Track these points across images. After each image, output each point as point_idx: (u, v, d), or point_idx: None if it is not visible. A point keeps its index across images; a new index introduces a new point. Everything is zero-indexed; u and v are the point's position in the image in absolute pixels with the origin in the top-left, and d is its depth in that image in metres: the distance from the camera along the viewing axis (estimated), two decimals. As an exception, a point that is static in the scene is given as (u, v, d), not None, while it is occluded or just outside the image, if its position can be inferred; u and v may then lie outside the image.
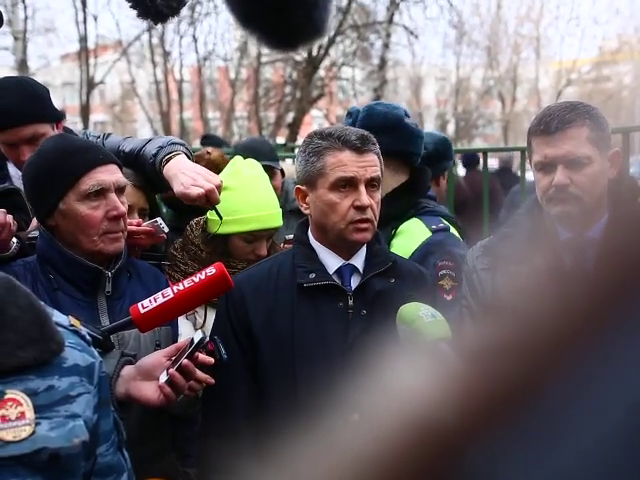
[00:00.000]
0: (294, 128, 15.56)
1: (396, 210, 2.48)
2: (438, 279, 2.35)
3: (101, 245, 2.01)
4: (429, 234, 2.44)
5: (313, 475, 0.43)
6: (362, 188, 1.99)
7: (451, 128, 23.32)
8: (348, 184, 1.99)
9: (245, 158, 3.33)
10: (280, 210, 2.57)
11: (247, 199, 2.42)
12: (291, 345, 2.00)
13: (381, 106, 2.62)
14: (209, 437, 2.06)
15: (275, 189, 3.38)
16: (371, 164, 2.02)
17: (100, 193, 2.00)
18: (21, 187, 2.46)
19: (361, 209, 1.98)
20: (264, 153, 3.45)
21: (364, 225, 2.00)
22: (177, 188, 2.20)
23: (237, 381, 2.03)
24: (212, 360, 1.85)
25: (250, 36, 1.01)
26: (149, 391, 1.82)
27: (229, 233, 2.42)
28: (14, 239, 2.22)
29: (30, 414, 1.29)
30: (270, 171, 3.35)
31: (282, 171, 4.06)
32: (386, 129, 2.50)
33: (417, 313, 1.61)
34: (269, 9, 0.94)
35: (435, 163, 3.37)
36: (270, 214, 2.49)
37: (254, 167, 2.60)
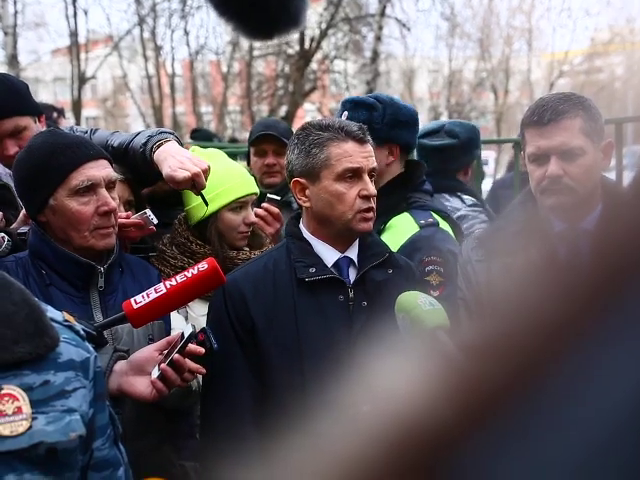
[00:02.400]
0: (287, 122, 15.53)
1: (388, 204, 2.48)
2: (425, 275, 2.33)
3: (92, 241, 2.01)
4: (417, 229, 2.43)
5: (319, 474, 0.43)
6: (367, 178, 2.03)
7: (444, 120, 23.30)
8: (354, 174, 2.01)
9: (259, 130, 3.40)
10: (252, 177, 2.66)
11: (221, 173, 2.44)
12: (297, 340, 1.99)
13: (395, 99, 2.66)
14: (215, 439, 2.04)
15: (282, 167, 3.38)
16: (371, 154, 2.06)
17: (90, 188, 1.99)
18: (9, 183, 2.46)
19: (367, 198, 2.02)
20: (277, 128, 3.47)
21: (370, 214, 2.03)
22: (165, 171, 2.18)
23: (240, 381, 2.01)
24: (202, 350, 1.85)
25: (226, 25, 1.01)
26: (141, 386, 1.83)
27: (218, 209, 2.45)
28: (5, 237, 2.21)
29: (27, 409, 1.29)
30: (280, 146, 3.36)
31: None
32: (410, 124, 2.60)
33: (416, 301, 1.63)
34: (245, 1, 0.94)
35: (467, 152, 3.42)
36: (246, 180, 2.57)
37: (211, 150, 2.70)
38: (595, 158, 2.04)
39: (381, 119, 2.52)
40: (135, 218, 2.34)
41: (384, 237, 2.42)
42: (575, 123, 1.99)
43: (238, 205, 2.50)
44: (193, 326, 1.91)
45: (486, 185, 6.28)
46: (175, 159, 2.19)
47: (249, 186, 2.56)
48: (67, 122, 8.33)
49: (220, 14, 0.98)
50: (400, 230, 2.46)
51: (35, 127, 2.57)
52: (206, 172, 2.18)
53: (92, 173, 1.99)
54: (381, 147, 2.50)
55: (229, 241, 2.51)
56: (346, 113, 2.54)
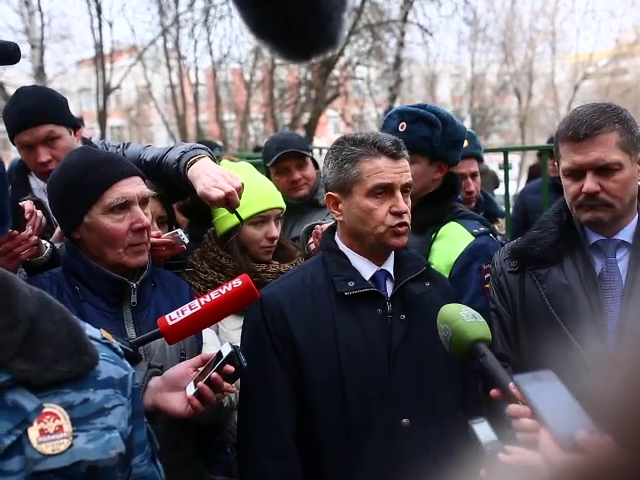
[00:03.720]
0: (310, 129, 15.58)
1: (435, 214, 2.50)
2: (484, 282, 2.37)
3: (126, 258, 2.02)
4: (472, 238, 2.45)
5: None
6: (399, 194, 2.01)
7: (467, 125, 23.17)
8: (384, 190, 2.00)
9: (276, 148, 3.38)
10: (279, 192, 2.62)
11: (245, 186, 2.35)
12: (336, 353, 1.98)
13: (452, 116, 2.61)
14: (254, 454, 2.02)
15: (308, 179, 3.39)
16: (405, 169, 2.04)
17: (124, 206, 2.01)
18: (42, 198, 2.50)
19: (399, 214, 2.01)
20: (294, 142, 3.46)
21: (402, 229, 2.02)
22: (199, 189, 2.19)
23: (280, 395, 2.00)
24: (232, 369, 1.85)
25: (264, 46, 1.02)
26: (176, 402, 1.84)
27: (239, 222, 2.40)
28: (48, 244, 2.23)
29: (68, 427, 1.30)
30: (301, 160, 3.37)
31: (315, 162, 3.66)
32: (462, 143, 2.64)
33: (458, 313, 1.63)
34: (282, 23, 0.94)
35: None
36: (269, 194, 2.55)
37: (240, 163, 2.71)
38: (632, 171, 2.00)
39: (441, 138, 2.50)
40: (166, 237, 2.34)
41: (437, 247, 2.45)
42: (611, 138, 1.96)
43: (259, 219, 2.49)
44: (231, 345, 1.90)
45: (511, 190, 6.18)
46: (209, 177, 2.19)
47: (272, 200, 2.54)
48: (88, 131, 8.43)
49: (258, 37, 0.99)
50: (455, 239, 2.47)
51: (70, 138, 2.61)
52: (239, 190, 2.18)
53: (126, 190, 2.00)
54: (432, 164, 2.52)
55: (252, 254, 2.50)
56: (404, 124, 2.51)
